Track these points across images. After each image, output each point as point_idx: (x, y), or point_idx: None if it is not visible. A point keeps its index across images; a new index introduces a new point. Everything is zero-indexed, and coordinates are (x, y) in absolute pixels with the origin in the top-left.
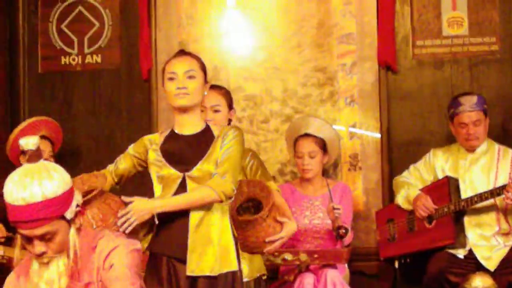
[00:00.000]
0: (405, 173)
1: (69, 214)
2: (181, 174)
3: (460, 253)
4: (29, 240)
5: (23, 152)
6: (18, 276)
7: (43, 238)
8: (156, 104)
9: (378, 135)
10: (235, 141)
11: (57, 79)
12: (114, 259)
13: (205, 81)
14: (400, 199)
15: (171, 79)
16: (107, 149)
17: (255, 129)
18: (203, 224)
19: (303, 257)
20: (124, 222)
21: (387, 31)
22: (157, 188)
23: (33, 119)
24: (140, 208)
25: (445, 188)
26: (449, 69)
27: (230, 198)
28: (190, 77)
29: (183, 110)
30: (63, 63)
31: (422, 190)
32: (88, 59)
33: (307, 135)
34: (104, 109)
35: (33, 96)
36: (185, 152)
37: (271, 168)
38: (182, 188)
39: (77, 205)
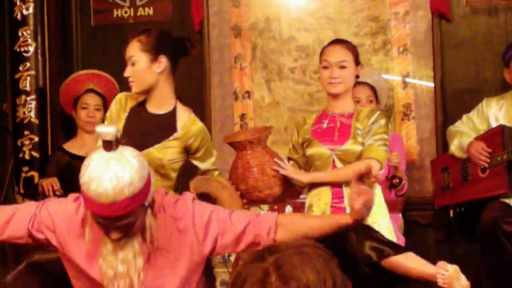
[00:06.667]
0: (458, 123)
1: (147, 201)
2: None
3: None
4: (106, 227)
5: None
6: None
7: (123, 226)
8: (208, 56)
9: (432, 84)
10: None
11: (110, 33)
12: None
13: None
14: (454, 148)
15: None
16: None
17: (307, 79)
18: None
19: None
20: None
21: None
22: None
23: (81, 72)
24: None
25: (499, 136)
26: (503, 16)
27: None
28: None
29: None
30: (115, 16)
31: (475, 139)
32: (140, 11)
33: (359, 83)
34: None
35: (86, 50)
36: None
37: None
38: None
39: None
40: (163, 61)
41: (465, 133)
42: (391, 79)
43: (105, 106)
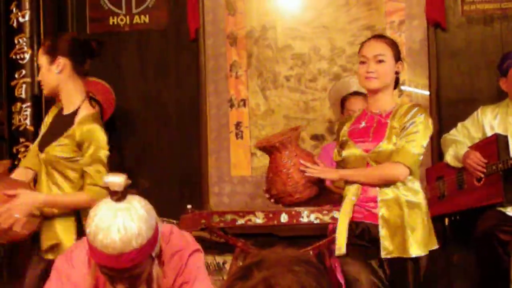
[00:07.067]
0: (453, 131)
1: (155, 252)
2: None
3: (510, 211)
4: (112, 278)
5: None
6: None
7: (129, 277)
8: (203, 64)
9: (427, 93)
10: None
11: (105, 40)
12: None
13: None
14: (449, 157)
15: None
16: (155, 110)
17: (303, 87)
18: None
19: None
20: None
21: None
22: None
23: None
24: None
25: (494, 145)
26: (498, 25)
27: None
28: None
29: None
30: (111, 23)
31: (470, 148)
32: (136, 19)
33: (355, 93)
34: (152, 70)
35: None
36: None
37: (320, 127)
38: None
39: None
40: (62, 62)
41: (460, 141)
42: None
43: (101, 113)
